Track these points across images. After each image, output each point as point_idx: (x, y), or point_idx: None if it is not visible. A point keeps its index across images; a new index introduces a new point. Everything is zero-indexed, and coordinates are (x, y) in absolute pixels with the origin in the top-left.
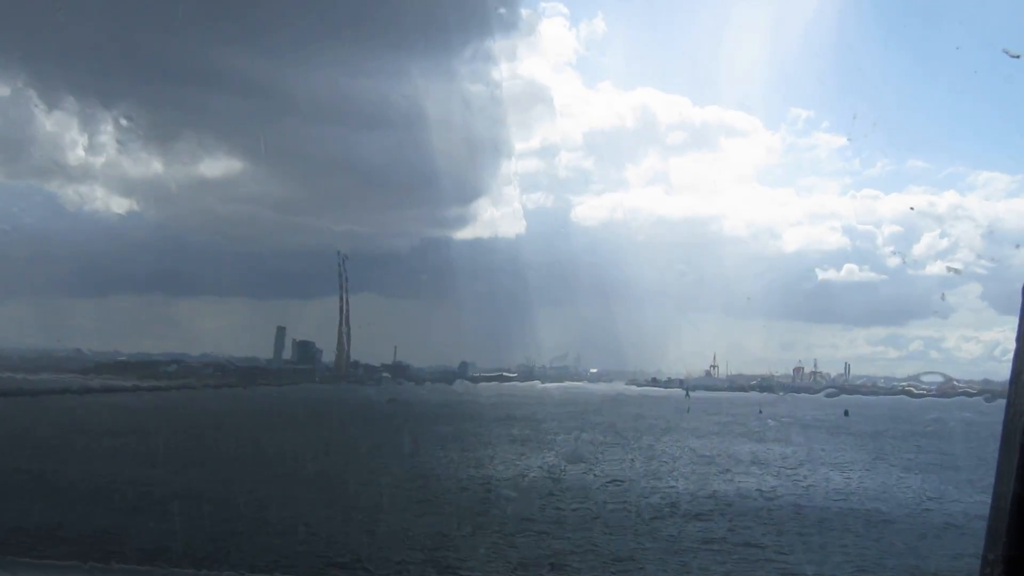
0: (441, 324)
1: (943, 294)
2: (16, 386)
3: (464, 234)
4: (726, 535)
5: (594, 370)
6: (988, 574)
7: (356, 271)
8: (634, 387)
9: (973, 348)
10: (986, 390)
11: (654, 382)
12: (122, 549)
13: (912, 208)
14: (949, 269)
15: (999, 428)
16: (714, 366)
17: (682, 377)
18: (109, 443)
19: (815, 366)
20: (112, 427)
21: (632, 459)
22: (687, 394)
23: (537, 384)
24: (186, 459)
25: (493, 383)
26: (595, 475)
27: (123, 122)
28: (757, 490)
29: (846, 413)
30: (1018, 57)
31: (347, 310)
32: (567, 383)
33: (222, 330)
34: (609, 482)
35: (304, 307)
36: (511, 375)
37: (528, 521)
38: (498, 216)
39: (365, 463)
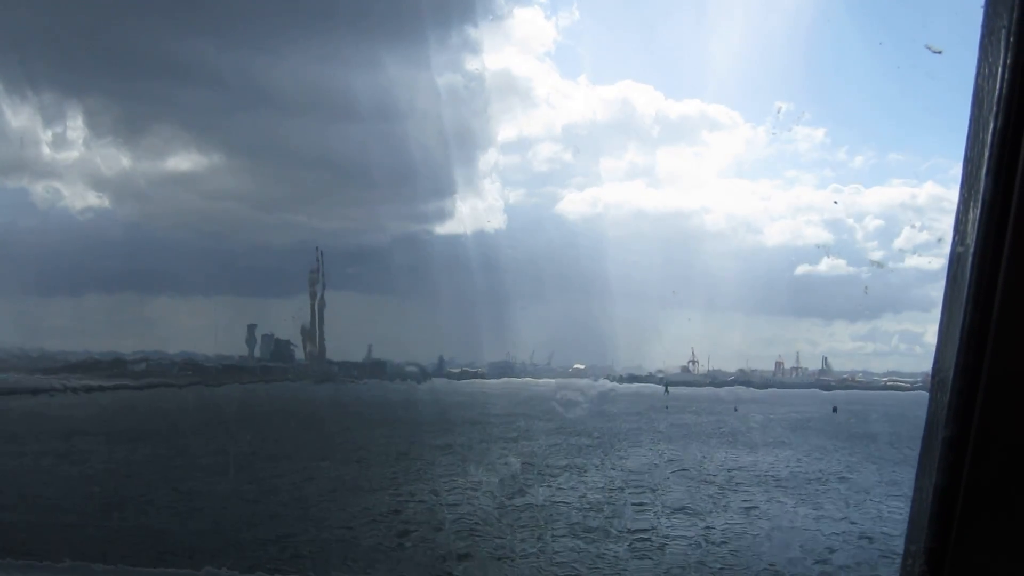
0: (419, 321)
1: (866, 288)
2: None
3: (443, 229)
4: None
5: (579, 366)
6: (910, 565)
7: (332, 267)
8: (617, 383)
9: None
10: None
11: (632, 378)
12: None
13: (836, 203)
14: (872, 262)
15: None
16: (692, 361)
17: (662, 373)
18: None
19: (797, 360)
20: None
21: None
22: (666, 390)
23: (518, 380)
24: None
25: (471, 380)
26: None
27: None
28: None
29: (834, 410)
30: (940, 52)
31: (319, 307)
32: (547, 380)
33: (198, 328)
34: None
35: (283, 305)
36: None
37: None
38: (477, 210)
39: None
